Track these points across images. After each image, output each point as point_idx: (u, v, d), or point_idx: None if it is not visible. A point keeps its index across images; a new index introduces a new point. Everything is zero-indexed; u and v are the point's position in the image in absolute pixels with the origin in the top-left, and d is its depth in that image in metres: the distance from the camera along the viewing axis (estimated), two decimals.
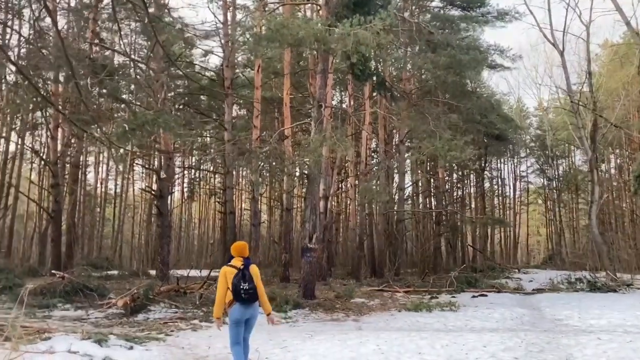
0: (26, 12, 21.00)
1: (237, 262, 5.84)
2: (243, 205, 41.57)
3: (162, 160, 17.62)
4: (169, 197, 20.66)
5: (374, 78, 14.39)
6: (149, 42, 22.18)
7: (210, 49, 35.68)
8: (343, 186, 31.76)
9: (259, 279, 5.87)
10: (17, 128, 27.91)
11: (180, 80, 34.59)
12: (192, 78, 24.98)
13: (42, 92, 13.13)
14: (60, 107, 14.54)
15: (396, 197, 26.92)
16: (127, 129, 12.19)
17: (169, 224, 18.76)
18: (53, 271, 14.46)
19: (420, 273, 26.59)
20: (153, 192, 18.45)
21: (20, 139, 26.61)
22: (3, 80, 23.98)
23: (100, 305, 12.13)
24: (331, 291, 17.27)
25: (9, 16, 22.49)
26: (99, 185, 39.51)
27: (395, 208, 27.36)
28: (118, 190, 39.33)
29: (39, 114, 24.04)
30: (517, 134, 38.37)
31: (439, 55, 13.86)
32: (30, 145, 27.40)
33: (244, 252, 5.96)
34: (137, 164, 32.65)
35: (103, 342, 7.68)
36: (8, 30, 23.10)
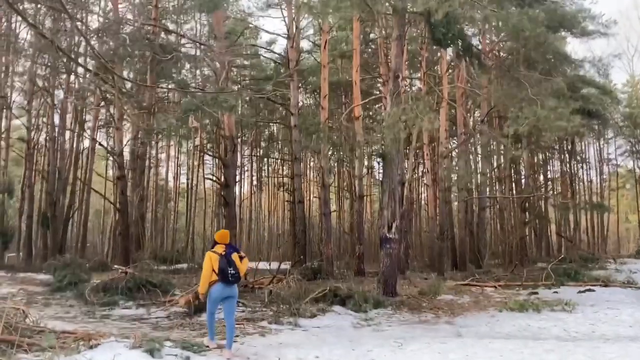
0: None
1: (220, 248, 6.76)
2: (312, 197, 40.53)
3: (227, 146, 16.59)
4: (236, 186, 19.65)
5: (458, 42, 12.47)
6: (210, 20, 21.20)
7: (274, 38, 34.68)
8: (417, 172, 29.74)
9: (240, 263, 6.80)
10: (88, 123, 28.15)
11: (246, 70, 33.96)
12: (257, 65, 23.95)
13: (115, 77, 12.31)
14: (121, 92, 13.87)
15: (475, 182, 24.74)
16: (186, 110, 11.10)
17: (235, 214, 17.73)
18: (116, 266, 13.66)
19: (506, 265, 24.28)
20: (219, 181, 17.50)
21: (89, 133, 26.68)
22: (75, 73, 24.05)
23: (163, 303, 11.14)
24: (412, 286, 15.58)
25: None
26: (171, 179, 39.77)
27: (476, 194, 25.18)
28: (186, 182, 39.36)
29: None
30: (609, 112, 34.60)
31: (537, 9, 11.81)
32: (97, 138, 27.28)
33: (225, 239, 6.90)
34: (206, 152, 32.19)
35: (155, 352, 6.47)
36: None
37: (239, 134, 35.99)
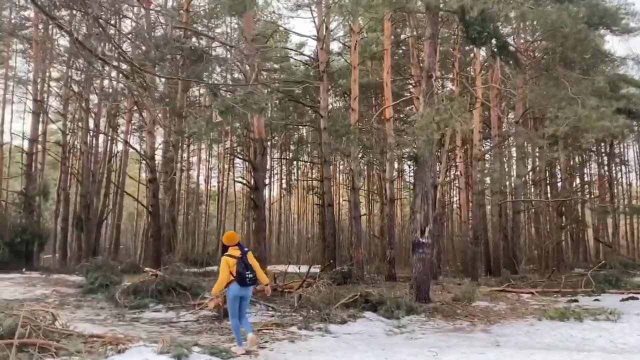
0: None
1: (235, 251, 6.87)
2: (341, 200, 40.30)
3: (256, 149, 16.51)
4: (265, 189, 19.56)
5: (494, 41, 12.08)
6: (240, 23, 21.22)
7: (304, 41, 34.79)
8: (449, 175, 29.17)
9: (256, 263, 6.99)
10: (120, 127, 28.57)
11: (275, 73, 33.99)
12: (286, 68, 23.86)
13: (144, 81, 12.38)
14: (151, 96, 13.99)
15: (509, 185, 24.07)
16: (219, 111, 11.01)
17: (265, 217, 17.61)
18: (147, 269, 13.69)
19: (542, 271, 23.55)
20: (249, 184, 17.44)
21: (122, 137, 27.05)
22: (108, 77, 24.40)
23: (193, 306, 11.06)
24: (445, 292, 15.18)
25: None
26: (202, 182, 40.15)
27: (510, 198, 24.51)
28: (217, 185, 39.67)
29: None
30: None
31: (577, 5, 11.32)
32: (129, 142, 27.63)
33: (234, 239, 6.99)
34: (236, 155, 32.33)
35: (183, 358, 6.34)
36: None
37: (269, 137, 36.08)
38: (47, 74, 27.72)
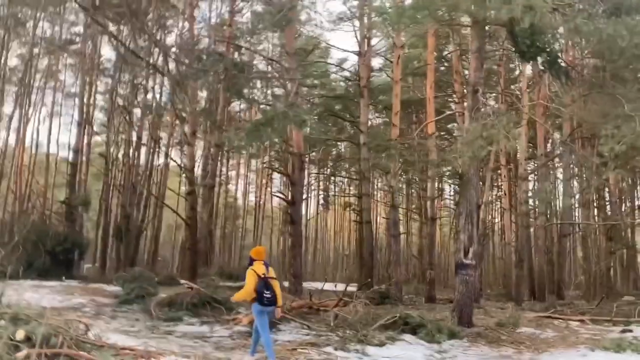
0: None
1: (260, 267, 6.98)
2: (379, 218, 39.75)
3: (295, 164, 16.36)
4: (302, 205, 19.35)
5: (544, 55, 11.58)
6: (282, 39, 21.31)
7: (345, 57, 34.72)
8: (492, 195, 28.31)
9: (277, 284, 7.05)
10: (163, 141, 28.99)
11: (316, 90, 34.01)
12: (327, 84, 23.77)
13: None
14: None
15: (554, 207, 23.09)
16: (256, 125, 10.90)
17: (301, 233, 17.38)
18: (182, 281, 13.60)
19: (589, 297, 22.39)
20: (286, 199, 17.29)
21: (163, 149, 27.44)
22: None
23: (227, 321, 10.84)
24: (488, 316, 14.49)
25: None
26: (240, 196, 40.38)
27: (556, 220, 23.52)
28: (255, 199, 39.84)
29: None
30: None
31: (634, 18, 10.75)
32: (170, 155, 28.02)
33: (262, 255, 7.22)
34: (273, 169, 32.35)
35: None
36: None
37: (307, 152, 36.03)
38: (94, 87, 28.55)
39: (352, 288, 17.21)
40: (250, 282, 6.84)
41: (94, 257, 29.24)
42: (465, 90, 22.65)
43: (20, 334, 5.39)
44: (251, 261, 7.20)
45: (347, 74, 29.18)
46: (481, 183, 17.69)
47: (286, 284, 19.43)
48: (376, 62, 33.94)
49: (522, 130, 19.66)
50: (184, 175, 29.35)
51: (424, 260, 23.48)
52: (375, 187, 39.23)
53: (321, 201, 41.01)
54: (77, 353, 5.40)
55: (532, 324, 13.16)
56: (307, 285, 21.16)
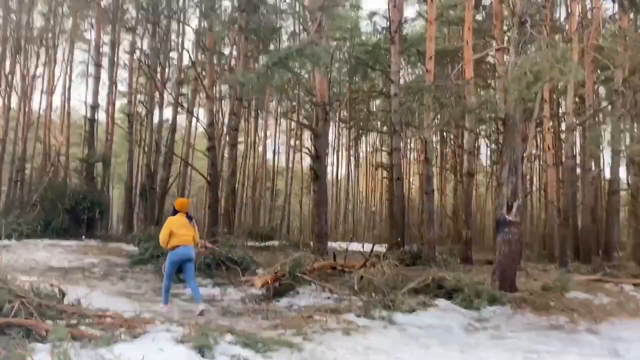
0: None
1: (181, 217, 7.66)
2: (411, 178, 38.32)
3: (318, 115, 15.05)
4: (330, 163, 18.11)
5: None
6: None
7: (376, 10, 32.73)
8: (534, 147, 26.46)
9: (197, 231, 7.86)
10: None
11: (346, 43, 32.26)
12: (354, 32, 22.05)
13: None
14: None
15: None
16: (268, 65, 9.61)
17: (326, 189, 16.21)
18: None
19: (638, 258, 20.70)
20: (309, 152, 16.09)
21: (185, 106, 26.49)
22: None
23: (241, 283, 9.86)
24: (531, 279, 13.14)
25: None
26: (270, 157, 39.48)
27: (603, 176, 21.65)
28: (285, 160, 38.91)
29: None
30: None
31: None
32: (189, 110, 27.03)
33: (185, 207, 7.87)
34: (292, 120, 31.11)
35: (206, 350, 5.08)
36: None
37: (336, 110, 34.59)
38: (117, 45, 27.60)
39: (382, 248, 16.07)
40: (164, 230, 7.58)
41: (123, 217, 28.93)
42: (506, 37, 20.74)
43: None
44: (174, 212, 7.77)
45: (378, 28, 27.64)
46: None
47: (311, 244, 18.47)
48: (409, 12, 32.02)
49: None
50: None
51: (459, 219, 22.08)
52: (408, 148, 37.68)
53: (351, 160, 39.73)
54: (28, 322, 4.42)
55: (582, 287, 11.76)
56: (334, 245, 20.16)
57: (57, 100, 29.06)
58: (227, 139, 20.56)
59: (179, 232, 7.52)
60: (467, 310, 8.15)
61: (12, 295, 4.89)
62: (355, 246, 16.72)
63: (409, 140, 37.57)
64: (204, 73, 22.13)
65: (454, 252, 17.78)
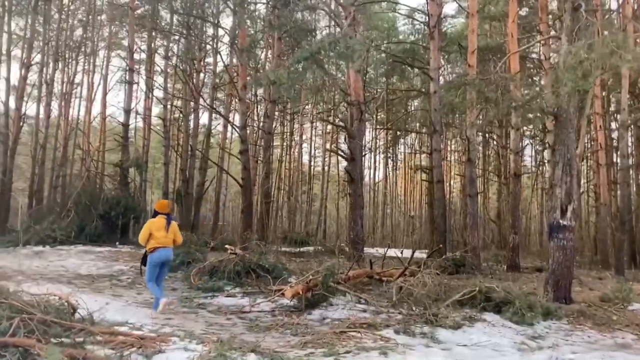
0: None
1: (160, 219, 7.68)
2: (452, 181, 37.12)
3: (353, 114, 14.42)
4: (364, 162, 17.41)
5: None
6: None
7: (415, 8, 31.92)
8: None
9: (178, 232, 7.89)
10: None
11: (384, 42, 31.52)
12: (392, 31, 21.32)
13: None
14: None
15: None
16: (298, 60, 9.05)
17: (361, 192, 15.52)
18: (226, 246, 12.22)
19: None
20: (343, 154, 15.45)
21: (220, 111, 26.27)
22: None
23: (272, 292, 9.29)
24: (586, 289, 12.16)
25: None
26: (306, 161, 39.11)
27: None
28: (322, 164, 38.40)
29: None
30: None
31: None
32: (222, 114, 26.79)
33: (166, 208, 7.94)
34: (326, 120, 30.50)
35: None
36: None
37: (374, 112, 33.82)
38: (153, 52, 27.73)
39: (422, 255, 15.24)
40: (144, 232, 7.63)
41: None
42: (552, 32, 19.63)
43: None
44: (155, 214, 7.75)
45: (417, 26, 26.86)
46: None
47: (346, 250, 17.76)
48: (449, 8, 31.03)
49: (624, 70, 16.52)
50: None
51: (504, 224, 20.99)
52: (449, 149, 36.55)
53: (389, 163, 38.85)
54: (25, 342, 3.95)
55: None
56: (371, 251, 19.42)
57: (96, 106, 29.41)
58: (261, 142, 20.08)
59: (157, 234, 7.54)
60: (518, 325, 7.34)
61: (13, 311, 4.45)
62: (393, 252, 15.93)
63: (449, 142, 36.48)
64: (236, 75, 21.90)
65: (500, 259, 16.79)
